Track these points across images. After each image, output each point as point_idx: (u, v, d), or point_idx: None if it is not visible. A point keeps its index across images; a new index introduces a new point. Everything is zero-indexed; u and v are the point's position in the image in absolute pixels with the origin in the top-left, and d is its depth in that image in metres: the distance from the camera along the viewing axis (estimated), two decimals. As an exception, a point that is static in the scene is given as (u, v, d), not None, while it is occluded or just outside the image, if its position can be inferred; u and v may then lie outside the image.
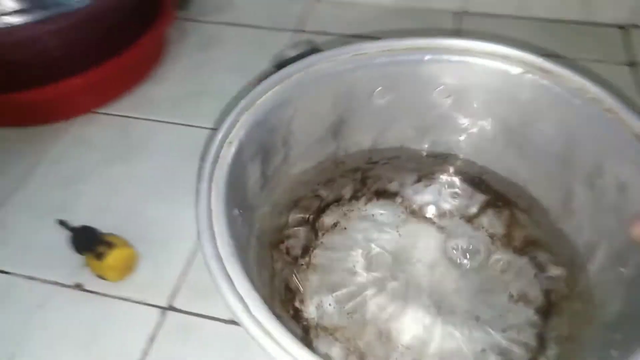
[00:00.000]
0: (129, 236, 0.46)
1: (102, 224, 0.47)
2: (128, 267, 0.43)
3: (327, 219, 0.41)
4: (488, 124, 0.38)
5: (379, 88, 0.37)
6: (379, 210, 0.41)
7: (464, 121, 0.39)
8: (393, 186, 0.42)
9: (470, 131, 0.39)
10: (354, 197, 0.42)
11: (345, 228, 0.41)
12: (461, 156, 0.41)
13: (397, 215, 0.41)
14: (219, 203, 0.29)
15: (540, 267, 0.38)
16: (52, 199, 0.52)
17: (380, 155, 0.41)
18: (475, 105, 0.37)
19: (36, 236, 0.48)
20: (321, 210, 0.41)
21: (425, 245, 0.40)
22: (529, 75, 0.35)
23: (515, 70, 0.35)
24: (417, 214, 0.42)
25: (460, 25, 0.72)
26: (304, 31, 0.74)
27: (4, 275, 0.45)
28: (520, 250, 0.39)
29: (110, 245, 0.42)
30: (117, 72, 0.58)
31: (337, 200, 0.42)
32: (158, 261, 0.46)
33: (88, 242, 0.43)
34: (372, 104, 0.38)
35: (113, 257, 0.41)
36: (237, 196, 0.30)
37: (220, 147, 0.31)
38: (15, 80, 0.53)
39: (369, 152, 0.41)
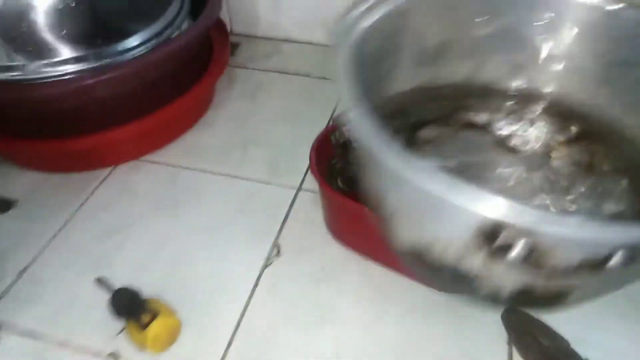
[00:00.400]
0: (172, 297, 0.42)
1: (144, 283, 0.44)
2: (171, 339, 0.39)
3: (420, 135, 0.43)
4: (583, 60, 0.39)
5: (482, 17, 0.38)
6: (468, 135, 0.43)
7: (560, 57, 0.39)
8: (482, 118, 0.44)
9: (564, 66, 0.40)
10: (445, 120, 0.43)
11: (436, 145, 0.43)
12: (554, 92, 0.41)
13: (485, 142, 0.43)
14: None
15: (626, 190, 0.38)
16: (92, 251, 0.49)
17: (472, 88, 0.42)
18: (572, 41, 0.38)
19: (72, 294, 0.45)
20: (415, 126, 0.42)
21: (509, 171, 0.41)
22: (630, 10, 0.35)
23: (616, 5, 0.35)
24: (504, 144, 0.43)
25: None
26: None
27: (35, 342, 0.41)
28: (605, 176, 0.40)
29: (154, 313, 0.38)
30: (167, 121, 0.57)
31: (430, 121, 0.43)
32: (203, 329, 0.42)
33: (130, 307, 0.39)
34: (474, 32, 0.39)
35: (157, 328, 0.37)
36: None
37: (347, 33, 0.33)
38: (67, 127, 0.52)
39: (462, 83, 0.42)
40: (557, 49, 0.39)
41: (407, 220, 0.30)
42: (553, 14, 0.37)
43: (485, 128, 0.43)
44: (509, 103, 0.42)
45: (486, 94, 0.42)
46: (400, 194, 0.28)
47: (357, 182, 0.45)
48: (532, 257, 0.25)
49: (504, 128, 0.43)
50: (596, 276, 0.26)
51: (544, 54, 0.39)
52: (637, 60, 0.36)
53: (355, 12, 0.34)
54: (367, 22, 0.34)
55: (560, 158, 0.41)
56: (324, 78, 0.72)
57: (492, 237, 0.25)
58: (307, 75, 0.72)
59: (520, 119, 0.43)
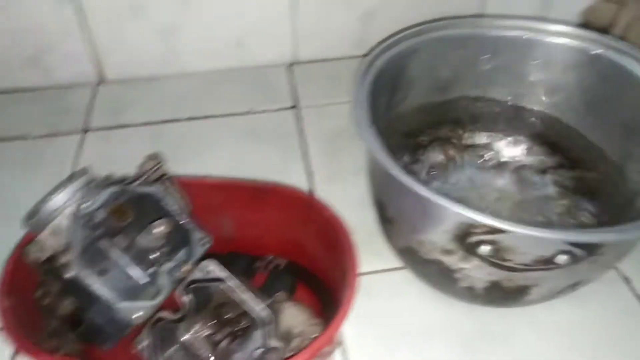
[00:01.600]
0: None
1: None
2: None
3: (427, 154, 0.50)
4: (570, 95, 0.46)
5: (485, 56, 0.46)
6: (467, 156, 0.50)
7: (551, 88, 0.47)
8: (481, 139, 0.51)
9: (554, 98, 0.47)
10: (450, 139, 0.50)
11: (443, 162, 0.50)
12: (545, 119, 0.48)
13: (482, 163, 0.50)
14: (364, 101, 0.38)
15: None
16: None
17: (474, 114, 0.50)
18: (560, 78, 0.46)
19: None
20: (423, 146, 0.49)
21: (502, 187, 0.49)
22: (609, 53, 0.43)
23: (596, 49, 0.43)
24: (499, 164, 0.50)
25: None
26: (87, 130, 0.54)
27: None
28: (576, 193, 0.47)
29: None
30: None
31: (437, 139, 0.50)
32: None
33: None
34: (478, 67, 0.47)
35: None
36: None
37: (364, 74, 0.39)
38: None
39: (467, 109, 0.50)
40: (549, 82, 0.46)
41: (404, 223, 0.38)
42: (545, 55, 0.45)
43: (483, 147, 0.50)
44: (505, 127, 0.49)
45: (487, 116, 0.49)
46: (400, 201, 0.36)
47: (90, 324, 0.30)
48: (497, 254, 0.31)
49: (500, 149, 0.50)
50: (549, 272, 0.32)
51: (538, 87, 0.47)
52: (608, 95, 0.44)
53: (375, 51, 0.41)
54: (384, 59, 0.41)
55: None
56: (47, 136, 0.53)
57: (465, 236, 0.31)
58: (24, 139, 0.53)
59: (514, 142, 0.50)
